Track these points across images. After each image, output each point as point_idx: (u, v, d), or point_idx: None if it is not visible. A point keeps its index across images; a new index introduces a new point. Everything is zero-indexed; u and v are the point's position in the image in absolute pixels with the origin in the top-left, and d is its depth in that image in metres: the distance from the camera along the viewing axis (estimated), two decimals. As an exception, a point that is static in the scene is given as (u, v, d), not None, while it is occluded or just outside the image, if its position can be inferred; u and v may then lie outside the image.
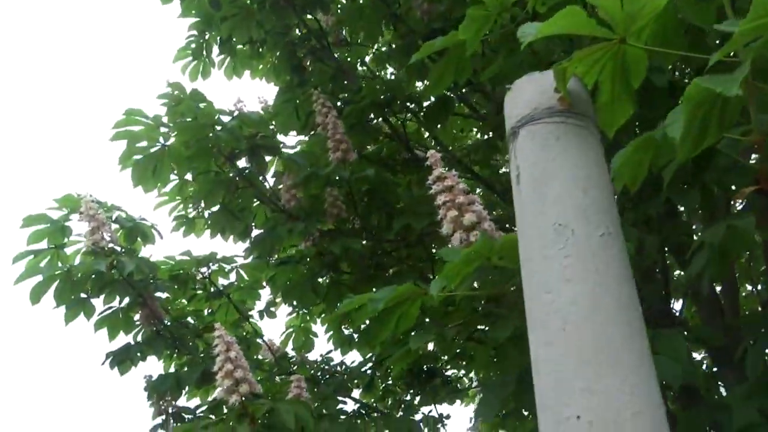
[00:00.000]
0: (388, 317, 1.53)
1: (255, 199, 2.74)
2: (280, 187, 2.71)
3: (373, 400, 3.43)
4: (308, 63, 3.09)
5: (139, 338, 2.74)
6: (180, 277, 2.86)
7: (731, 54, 0.95)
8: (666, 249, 2.31)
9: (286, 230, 2.41)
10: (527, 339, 1.62)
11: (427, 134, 3.53)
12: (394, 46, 3.58)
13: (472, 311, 1.67)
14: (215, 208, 2.73)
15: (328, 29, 3.14)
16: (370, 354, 3.45)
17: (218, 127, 2.33)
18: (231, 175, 2.51)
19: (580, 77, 1.04)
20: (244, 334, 3.16)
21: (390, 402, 3.60)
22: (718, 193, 1.73)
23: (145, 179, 2.47)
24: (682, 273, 2.92)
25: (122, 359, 2.54)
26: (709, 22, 1.16)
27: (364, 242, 2.63)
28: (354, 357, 3.57)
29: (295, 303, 3.35)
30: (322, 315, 3.65)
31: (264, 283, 3.22)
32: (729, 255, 1.14)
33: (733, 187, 1.60)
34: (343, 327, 3.57)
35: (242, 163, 2.61)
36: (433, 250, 3.03)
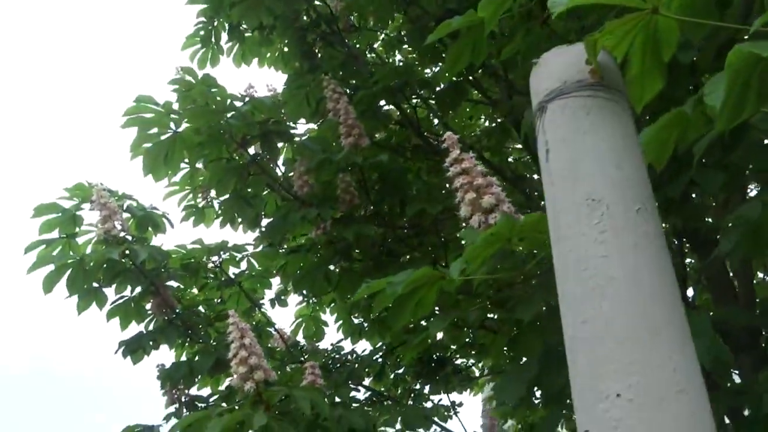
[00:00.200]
0: (406, 303, 1.51)
1: (266, 187, 2.72)
2: (291, 174, 2.68)
3: (383, 388, 3.43)
4: (318, 49, 3.06)
5: (150, 327, 2.73)
6: (191, 266, 2.85)
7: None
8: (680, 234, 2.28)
9: (298, 217, 2.39)
10: (546, 321, 1.60)
11: (436, 121, 3.50)
12: (403, 32, 3.54)
13: (487, 297, 1.65)
14: (227, 196, 2.71)
15: (338, 14, 3.10)
16: (380, 343, 3.45)
17: (230, 113, 2.30)
18: (243, 161, 2.49)
19: (609, 50, 1.01)
20: (255, 323, 3.15)
21: (400, 391, 3.60)
22: (741, 174, 1.70)
23: (157, 167, 2.45)
24: (692, 261, 2.89)
25: (135, 348, 2.54)
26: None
27: (376, 229, 2.60)
28: (364, 346, 3.56)
29: (305, 292, 3.34)
30: (332, 304, 3.65)
31: (275, 272, 3.21)
32: (764, 233, 1.11)
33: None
34: (352, 316, 3.57)
35: (253, 150, 2.58)
36: (446, 237, 3.02)
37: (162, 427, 2.25)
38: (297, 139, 2.65)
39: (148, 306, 2.72)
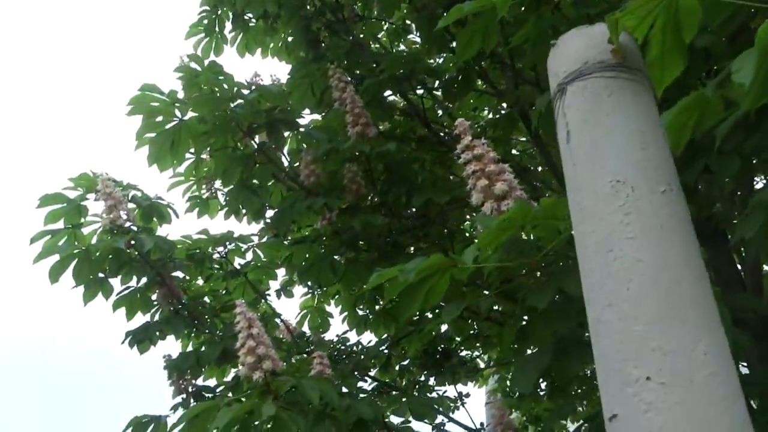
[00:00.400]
0: (417, 291, 1.50)
1: (272, 177, 2.70)
2: (297, 164, 2.67)
3: (388, 380, 3.42)
4: (323, 37, 3.03)
5: (156, 317, 2.72)
6: (197, 256, 2.84)
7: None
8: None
9: (305, 206, 2.37)
10: (558, 310, 1.59)
11: (441, 112, 3.48)
12: (408, 21, 3.51)
13: (496, 287, 1.64)
14: (232, 186, 2.69)
15: (343, 2, 3.08)
16: (385, 335, 3.44)
17: (236, 101, 2.28)
18: (249, 151, 2.47)
19: (629, 31, 0.99)
20: (260, 314, 3.14)
21: (405, 382, 3.60)
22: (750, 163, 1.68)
23: (162, 156, 2.43)
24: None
25: (141, 338, 2.53)
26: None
27: (383, 219, 2.59)
28: (369, 338, 3.56)
29: (310, 283, 3.33)
30: (337, 296, 3.64)
31: (280, 263, 3.19)
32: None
33: None
34: (357, 308, 3.56)
35: (258, 139, 2.56)
36: (452, 228, 3.00)
37: (169, 417, 2.24)
38: (302, 128, 2.63)
39: (154, 296, 2.71)
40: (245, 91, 2.32)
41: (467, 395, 3.27)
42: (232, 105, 2.34)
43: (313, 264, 2.81)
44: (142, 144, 2.45)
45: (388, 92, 3.01)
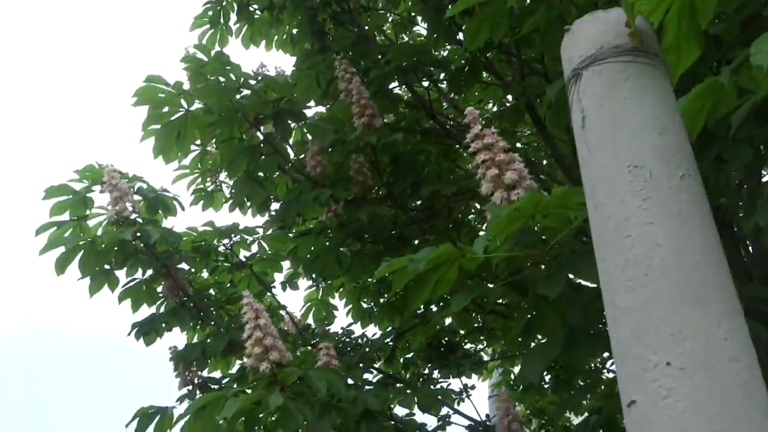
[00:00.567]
0: (426, 280, 1.49)
1: (278, 169, 2.69)
2: (303, 156, 2.66)
3: (391, 372, 3.42)
4: (328, 29, 3.01)
5: (162, 309, 2.72)
6: (202, 248, 2.83)
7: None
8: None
9: (311, 197, 2.36)
10: (567, 300, 1.58)
11: (445, 105, 3.46)
12: (413, 13, 3.49)
13: (503, 279, 1.63)
14: (237, 178, 2.68)
15: (349, -8, 3.06)
16: (389, 327, 3.44)
17: (242, 92, 2.27)
18: (255, 142, 2.46)
19: (645, 16, 0.98)
20: (265, 306, 3.13)
21: (409, 375, 3.60)
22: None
23: (168, 148, 2.42)
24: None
25: (147, 330, 2.53)
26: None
27: (389, 210, 2.58)
28: (373, 331, 3.56)
29: (314, 276, 3.32)
30: (341, 289, 3.63)
31: (284, 255, 3.19)
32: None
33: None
34: (362, 301, 3.56)
35: (263, 130, 2.55)
36: (459, 220, 2.99)
37: (175, 408, 2.24)
38: (308, 120, 2.62)
39: (160, 288, 2.70)
40: (251, 82, 2.30)
41: (473, 387, 3.26)
42: (238, 96, 2.33)
43: (318, 256, 2.80)
44: (147, 135, 2.44)
45: (393, 84, 3.00)
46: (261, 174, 2.75)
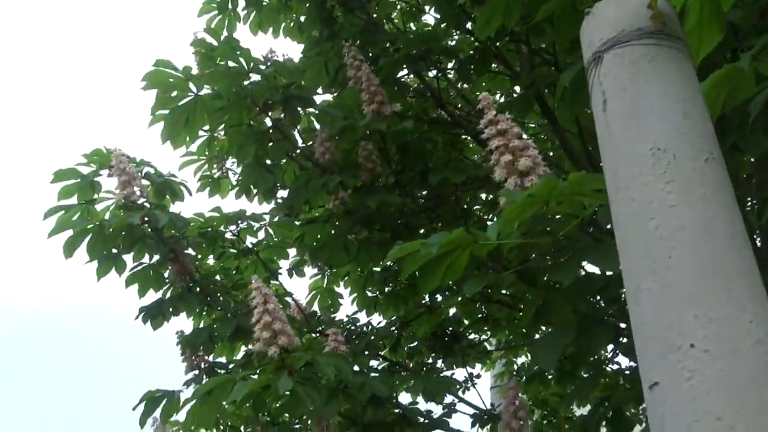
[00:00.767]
0: (437, 266, 1.49)
1: (286, 155, 2.69)
2: (312, 142, 2.65)
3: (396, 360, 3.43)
4: (337, 15, 3.00)
5: (169, 294, 2.72)
6: (209, 234, 2.83)
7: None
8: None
9: (320, 184, 2.36)
10: (578, 287, 1.57)
11: (453, 93, 3.44)
12: (420, 2, 3.47)
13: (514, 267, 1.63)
14: (245, 164, 2.68)
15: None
16: (394, 316, 3.45)
17: (252, 77, 2.26)
18: (264, 127, 2.45)
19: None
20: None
21: (413, 364, 3.61)
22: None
23: (176, 133, 2.42)
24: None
25: (155, 314, 2.53)
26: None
27: (398, 198, 2.57)
28: (378, 320, 3.56)
29: (320, 264, 3.32)
30: (346, 277, 3.64)
31: (291, 243, 3.19)
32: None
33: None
34: (367, 289, 3.56)
35: (274, 116, 2.54)
36: (466, 211, 2.98)
37: (183, 392, 2.25)
38: (317, 106, 2.61)
39: (167, 273, 2.71)
40: (261, 67, 2.29)
41: (478, 376, 3.27)
42: (247, 81, 2.32)
43: (325, 244, 2.80)
44: (156, 120, 2.43)
45: (401, 73, 2.98)
46: (269, 161, 2.74)
